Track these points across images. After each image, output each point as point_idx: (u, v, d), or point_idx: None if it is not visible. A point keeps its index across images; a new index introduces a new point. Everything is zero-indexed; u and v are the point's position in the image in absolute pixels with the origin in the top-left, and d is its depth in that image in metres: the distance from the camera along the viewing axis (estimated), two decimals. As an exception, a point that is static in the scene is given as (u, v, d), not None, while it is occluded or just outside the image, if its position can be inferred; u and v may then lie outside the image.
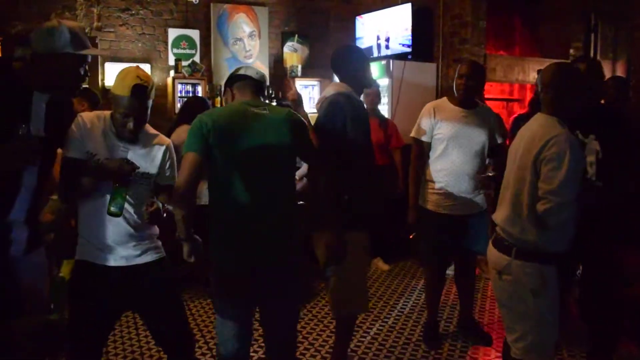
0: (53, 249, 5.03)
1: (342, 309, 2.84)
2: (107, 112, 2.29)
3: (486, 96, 6.49)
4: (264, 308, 2.39)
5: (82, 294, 2.27)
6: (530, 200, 2.22)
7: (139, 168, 2.18)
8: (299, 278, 2.45)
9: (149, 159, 2.30)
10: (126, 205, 2.19)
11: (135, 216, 2.26)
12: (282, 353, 2.45)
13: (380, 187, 4.43)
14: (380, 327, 3.81)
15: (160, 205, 2.21)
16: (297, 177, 4.57)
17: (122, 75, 2.23)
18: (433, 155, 3.38)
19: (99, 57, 6.43)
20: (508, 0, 6.76)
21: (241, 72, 2.40)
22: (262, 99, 2.42)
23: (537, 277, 2.26)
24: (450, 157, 3.30)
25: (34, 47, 2.04)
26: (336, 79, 6.50)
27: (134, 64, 6.31)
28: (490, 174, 3.25)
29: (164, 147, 2.36)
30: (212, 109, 2.54)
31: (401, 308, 4.17)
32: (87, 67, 2.14)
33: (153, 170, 2.31)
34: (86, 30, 6.28)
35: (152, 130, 2.37)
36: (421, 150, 3.43)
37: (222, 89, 2.57)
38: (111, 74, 6.43)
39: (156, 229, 2.40)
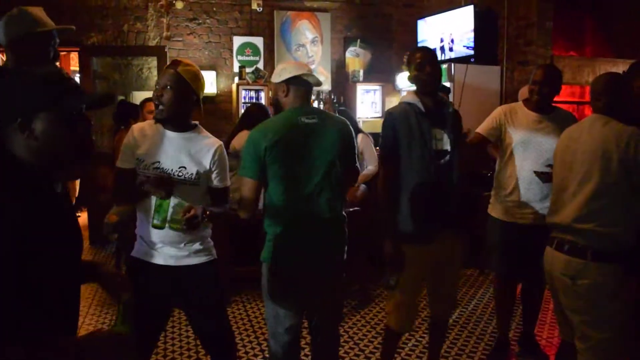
0: (118, 251, 5.33)
1: (388, 320, 2.84)
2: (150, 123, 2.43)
3: (555, 99, 6.27)
4: (311, 306, 2.54)
5: (135, 290, 2.39)
6: (625, 197, 2.24)
7: (174, 183, 2.24)
8: (343, 280, 2.60)
9: (197, 158, 2.32)
10: (174, 209, 2.26)
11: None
12: (327, 349, 2.60)
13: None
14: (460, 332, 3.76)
15: (200, 211, 2.20)
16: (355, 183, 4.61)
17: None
18: (502, 160, 3.26)
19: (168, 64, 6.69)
20: (577, 1, 6.48)
21: (304, 77, 2.45)
22: (310, 104, 2.55)
23: (616, 280, 2.20)
24: (520, 163, 3.16)
25: (5, 37, 2.17)
26: (399, 84, 6.51)
27: (201, 72, 6.58)
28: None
29: (213, 149, 2.35)
30: (264, 123, 2.57)
31: (457, 318, 4.08)
32: (56, 47, 2.23)
33: (201, 169, 2.32)
34: (157, 40, 6.59)
35: (204, 132, 2.41)
36: (478, 143, 3.35)
37: (275, 83, 2.51)
38: (179, 81, 6.67)
39: (208, 230, 2.47)
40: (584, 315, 2.31)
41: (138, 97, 7.48)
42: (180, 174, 2.28)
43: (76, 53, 7.04)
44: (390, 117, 2.67)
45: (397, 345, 3.03)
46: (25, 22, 2.18)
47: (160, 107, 2.27)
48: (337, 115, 2.69)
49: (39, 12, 2.24)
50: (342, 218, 2.56)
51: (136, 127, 2.40)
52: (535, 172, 3.06)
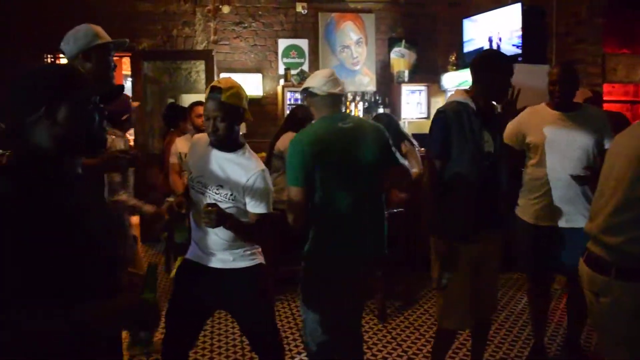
0: (168, 249, 5.48)
1: (442, 322, 2.82)
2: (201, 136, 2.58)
3: (607, 98, 6.09)
4: (348, 305, 2.59)
5: (183, 288, 2.51)
6: None
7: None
8: (376, 280, 2.62)
9: (234, 180, 2.34)
10: None
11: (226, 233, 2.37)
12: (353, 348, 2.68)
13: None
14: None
15: (223, 210, 2.24)
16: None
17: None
18: (529, 163, 3.19)
19: (215, 67, 6.84)
20: (631, -5, 6.26)
21: (328, 89, 2.51)
22: (342, 110, 2.64)
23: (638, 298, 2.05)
24: (547, 164, 3.08)
25: (76, 48, 2.41)
26: (445, 84, 6.45)
27: (248, 74, 6.67)
28: (581, 174, 2.95)
29: (250, 174, 2.34)
30: (305, 131, 2.62)
31: (502, 321, 4.02)
32: (113, 58, 2.49)
33: (235, 192, 2.34)
34: (204, 44, 6.74)
35: (249, 153, 2.41)
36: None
37: (311, 92, 2.57)
38: (226, 84, 6.81)
39: None
40: (606, 333, 2.20)
41: (186, 99, 7.66)
42: (217, 192, 2.35)
43: (128, 58, 7.25)
44: (443, 116, 2.63)
45: (451, 346, 3.03)
46: (89, 36, 2.44)
47: (213, 136, 2.35)
48: (369, 120, 2.73)
49: (99, 28, 2.52)
50: (383, 220, 2.62)
51: (196, 137, 2.58)
52: (571, 175, 2.97)
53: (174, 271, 4.35)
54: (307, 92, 2.58)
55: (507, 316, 4.11)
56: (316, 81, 2.55)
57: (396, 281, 4.41)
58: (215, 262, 2.42)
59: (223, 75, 6.83)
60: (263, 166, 2.40)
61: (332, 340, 2.55)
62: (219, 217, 2.19)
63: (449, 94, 6.68)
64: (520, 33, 5.58)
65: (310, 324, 2.54)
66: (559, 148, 3.05)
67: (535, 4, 5.72)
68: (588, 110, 3.16)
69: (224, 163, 2.38)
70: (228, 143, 2.37)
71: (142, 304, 1.47)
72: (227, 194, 2.35)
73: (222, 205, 2.28)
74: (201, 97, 7.09)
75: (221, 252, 2.41)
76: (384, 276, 3.98)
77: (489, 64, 2.69)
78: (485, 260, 2.71)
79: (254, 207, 2.36)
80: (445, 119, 2.61)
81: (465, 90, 2.72)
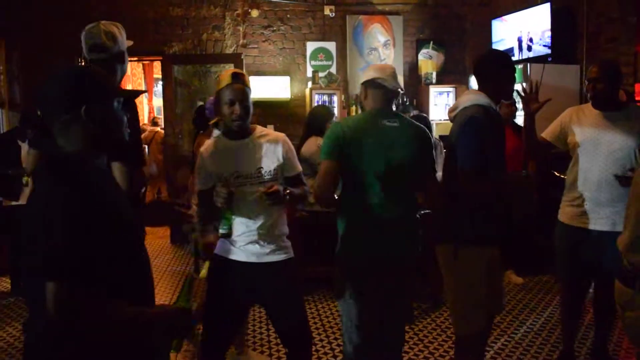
0: (197, 249, 5.56)
1: (460, 327, 2.76)
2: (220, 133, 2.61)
3: (639, 98, 5.96)
4: (383, 305, 2.56)
5: (218, 285, 2.56)
6: None
7: (233, 192, 2.32)
8: (415, 281, 2.66)
9: (270, 155, 2.46)
10: (252, 208, 2.40)
11: (262, 219, 2.45)
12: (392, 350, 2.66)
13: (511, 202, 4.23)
14: (506, 343, 3.68)
15: (281, 188, 2.33)
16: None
17: (221, 75, 2.48)
18: (571, 163, 3.12)
19: (244, 70, 6.92)
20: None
21: (379, 81, 2.47)
22: (392, 108, 2.58)
23: None
24: (586, 164, 3.00)
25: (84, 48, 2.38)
26: (472, 85, 6.37)
27: (276, 77, 6.73)
28: (627, 174, 2.84)
29: (280, 142, 2.50)
30: (347, 117, 2.64)
31: (531, 324, 3.98)
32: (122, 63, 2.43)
33: (277, 164, 2.46)
34: (234, 47, 6.85)
35: (263, 130, 2.54)
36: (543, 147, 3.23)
37: (359, 88, 2.62)
38: (255, 87, 6.83)
39: (286, 229, 2.59)
40: (635, 345, 2.17)
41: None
42: (259, 174, 2.43)
43: (159, 62, 7.40)
44: (476, 125, 2.46)
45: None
46: (94, 36, 2.34)
47: (237, 121, 2.40)
48: (417, 123, 2.63)
49: (112, 27, 2.39)
50: (415, 220, 2.62)
51: (203, 149, 2.54)
52: (615, 175, 2.88)
53: (203, 271, 4.45)
54: (374, 83, 2.46)
55: (535, 319, 4.06)
56: (385, 74, 2.48)
57: (423, 283, 4.41)
58: (250, 257, 2.47)
59: (253, 78, 6.89)
60: (281, 134, 2.56)
61: (368, 339, 2.52)
62: (282, 194, 2.31)
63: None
64: (549, 33, 5.52)
65: (346, 322, 2.54)
66: (598, 148, 2.96)
67: (565, 3, 5.64)
68: (632, 109, 3.03)
69: (251, 146, 2.46)
70: (246, 128, 2.46)
71: (176, 312, 1.53)
72: (268, 171, 2.44)
73: (265, 181, 2.41)
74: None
75: (254, 246, 2.46)
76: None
77: (496, 61, 2.68)
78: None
79: (290, 171, 2.51)
80: (480, 130, 2.46)
81: (480, 90, 2.62)
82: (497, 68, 2.63)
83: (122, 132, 1.52)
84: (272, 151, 2.47)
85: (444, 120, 7.01)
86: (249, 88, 2.45)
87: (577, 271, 3.11)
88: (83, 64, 2.73)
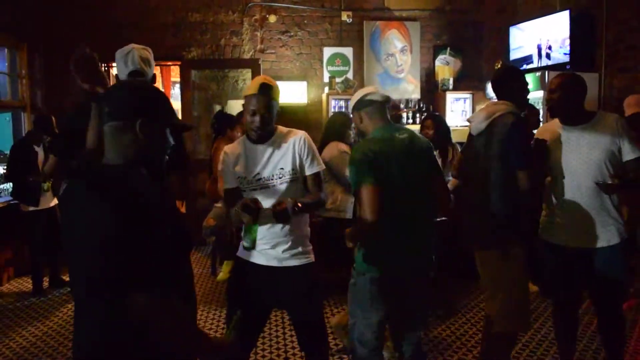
0: (216, 250, 5.63)
1: (505, 325, 2.85)
2: (240, 139, 2.63)
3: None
4: (401, 313, 2.63)
5: (239, 287, 2.61)
6: None
7: (261, 206, 2.34)
8: (430, 287, 2.68)
9: (290, 154, 2.50)
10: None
11: (282, 225, 2.48)
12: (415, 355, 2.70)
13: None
14: (519, 352, 3.67)
15: (290, 204, 2.34)
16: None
17: (252, 81, 2.53)
18: (547, 180, 3.05)
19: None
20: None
21: (367, 97, 2.61)
22: (389, 119, 2.67)
23: None
24: (559, 182, 2.91)
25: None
26: (490, 92, 6.38)
27: (293, 82, 6.79)
28: (608, 182, 2.80)
29: (300, 140, 2.51)
30: (365, 140, 2.68)
31: (546, 333, 3.96)
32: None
33: (297, 163, 2.49)
34: (251, 53, 6.91)
35: (284, 130, 2.57)
36: None
37: (370, 100, 2.66)
38: (271, 91, 6.94)
39: (307, 231, 2.63)
40: None
41: (233, 105, 7.83)
42: (281, 175, 2.47)
43: (177, 66, 7.48)
44: (523, 129, 2.79)
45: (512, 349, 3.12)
46: (134, 63, 2.62)
47: (259, 131, 2.46)
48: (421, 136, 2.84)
49: (146, 53, 2.67)
50: (432, 226, 2.69)
51: (227, 148, 2.61)
52: (596, 183, 2.81)
53: (220, 274, 4.49)
54: (364, 102, 2.60)
55: (532, 335, 4.03)
56: (369, 90, 2.66)
57: (438, 289, 4.41)
58: (272, 261, 2.51)
59: (269, 83, 6.95)
60: (302, 132, 2.57)
61: (379, 349, 2.60)
62: (292, 210, 2.34)
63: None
64: (569, 41, 5.49)
65: (360, 328, 2.58)
66: (568, 165, 2.89)
67: (585, 11, 5.62)
68: (603, 119, 2.89)
69: (272, 148, 2.51)
70: (267, 134, 2.51)
71: (224, 343, 1.63)
72: (289, 171, 2.48)
73: (289, 187, 2.46)
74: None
75: (277, 250, 2.50)
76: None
77: (512, 75, 2.96)
78: None
79: (313, 167, 2.52)
80: (525, 130, 2.79)
81: (506, 102, 2.83)
82: (518, 82, 2.91)
83: (163, 155, 1.58)
84: (292, 150, 2.49)
85: (461, 126, 7.01)
86: (276, 100, 2.49)
87: (561, 289, 3.06)
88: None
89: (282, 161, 2.49)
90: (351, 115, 2.80)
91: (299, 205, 2.38)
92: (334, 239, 4.41)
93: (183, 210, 7.04)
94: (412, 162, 2.53)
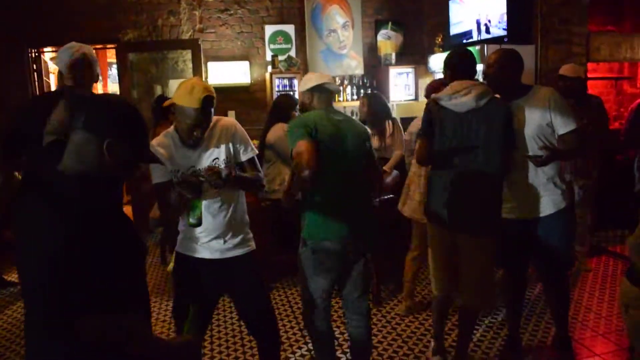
0: (163, 241, 5.53)
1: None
2: (171, 128, 2.50)
3: (592, 75, 6.15)
4: (344, 285, 2.79)
5: (184, 282, 2.61)
6: None
7: (203, 176, 2.30)
8: (370, 263, 2.83)
9: (222, 144, 2.48)
10: (211, 202, 2.43)
11: (223, 211, 2.49)
12: (360, 324, 2.83)
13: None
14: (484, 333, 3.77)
15: (225, 171, 2.32)
16: (387, 169, 4.66)
17: (187, 88, 2.33)
18: None
19: (202, 56, 6.82)
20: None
21: (327, 86, 2.75)
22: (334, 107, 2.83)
23: None
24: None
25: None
26: (432, 66, 6.42)
27: (235, 62, 6.61)
28: (538, 154, 2.86)
29: (231, 129, 2.50)
30: (304, 114, 2.70)
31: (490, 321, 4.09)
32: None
33: (230, 151, 2.48)
34: (190, 33, 6.71)
35: (212, 120, 2.47)
36: None
37: (302, 92, 2.80)
38: (214, 72, 6.81)
39: (246, 219, 2.64)
40: (637, 346, 2.22)
41: (174, 85, 7.59)
42: (216, 165, 2.43)
43: (113, 50, 7.21)
44: None
45: (441, 314, 3.23)
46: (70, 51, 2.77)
47: (195, 140, 2.41)
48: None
49: (92, 51, 2.87)
50: (370, 206, 2.85)
51: (155, 142, 2.47)
52: (526, 155, 2.89)
53: (171, 265, 4.42)
54: (320, 88, 2.73)
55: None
56: (327, 80, 2.78)
57: (389, 265, 4.50)
58: (214, 253, 2.51)
59: (211, 64, 6.81)
60: (230, 119, 2.58)
61: (327, 309, 2.77)
62: (222, 175, 2.30)
63: (437, 76, 6.74)
64: (505, 16, 5.59)
65: (306, 293, 2.74)
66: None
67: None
68: (536, 93, 2.96)
69: (204, 143, 2.47)
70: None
71: (185, 342, 1.59)
72: (223, 159, 2.46)
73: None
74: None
75: (219, 242, 2.50)
76: (377, 261, 4.08)
77: (472, 59, 3.01)
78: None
79: (247, 152, 2.54)
80: None
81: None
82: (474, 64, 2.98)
83: (124, 173, 1.55)
84: (224, 139, 2.48)
85: (405, 101, 7.09)
86: (214, 107, 2.41)
87: (508, 258, 3.18)
88: (58, 78, 2.90)
89: (215, 152, 2.46)
90: (300, 92, 2.84)
91: (234, 173, 2.35)
92: (285, 221, 4.43)
93: (127, 197, 6.88)
94: (344, 141, 2.65)
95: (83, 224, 1.29)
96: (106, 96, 1.59)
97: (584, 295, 4.16)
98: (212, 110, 2.40)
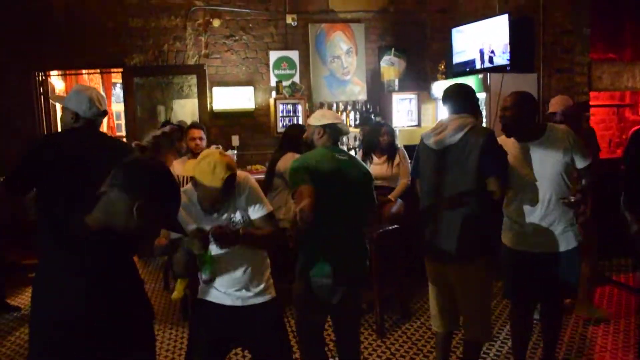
0: (167, 268, 5.53)
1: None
2: (189, 187, 2.48)
3: (593, 103, 6.19)
4: (335, 317, 2.97)
5: (201, 328, 2.58)
6: None
7: (207, 232, 2.28)
8: (361, 294, 2.99)
9: (236, 204, 2.46)
10: (232, 259, 2.43)
11: (244, 266, 2.48)
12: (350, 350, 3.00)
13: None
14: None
15: (233, 229, 2.34)
16: (392, 198, 4.69)
17: (210, 165, 2.28)
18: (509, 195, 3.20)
19: (207, 81, 6.88)
20: (616, 4, 6.35)
21: (339, 126, 2.91)
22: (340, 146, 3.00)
23: None
24: (519, 195, 3.10)
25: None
26: (434, 92, 6.47)
27: (239, 87, 6.64)
28: (572, 199, 3.02)
29: (241, 188, 2.45)
30: (308, 154, 2.85)
31: (499, 347, 4.11)
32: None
33: (244, 210, 2.47)
34: (195, 58, 6.79)
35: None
36: None
37: (314, 126, 2.93)
38: (219, 97, 6.87)
39: (267, 266, 2.63)
40: None
41: (179, 105, 7.66)
42: (234, 224, 2.44)
43: (119, 73, 7.28)
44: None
45: (442, 350, 3.24)
46: (101, 102, 2.99)
47: (219, 206, 2.43)
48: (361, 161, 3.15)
49: (100, 92, 2.97)
50: (363, 237, 2.97)
51: (184, 196, 2.43)
52: (563, 202, 3.02)
53: (175, 293, 4.41)
54: (333, 126, 2.87)
55: (500, 328, 4.20)
56: (341, 121, 2.94)
57: (393, 295, 4.50)
58: (236, 301, 2.50)
59: (216, 89, 6.87)
60: (243, 175, 2.51)
61: (321, 340, 2.96)
62: (230, 235, 2.31)
63: (439, 102, 6.79)
64: (508, 46, 5.66)
65: (299, 325, 2.96)
66: (527, 180, 3.05)
67: (523, 14, 5.80)
68: (554, 133, 3.07)
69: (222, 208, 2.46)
70: None
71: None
72: (240, 218, 2.45)
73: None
74: (194, 102, 7.07)
75: (240, 290, 2.50)
76: (381, 291, 4.09)
77: (471, 92, 3.10)
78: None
79: (257, 212, 2.48)
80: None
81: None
82: (472, 97, 3.05)
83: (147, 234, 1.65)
84: (239, 199, 2.45)
85: (407, 126, 7.14)
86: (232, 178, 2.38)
87: (521, 293, 3.22)
88: (74, 118, 2.97)
89: (231, 213, 2.45)
90: (311, 125, 2.94)
91: (241, 232, 2.34)
92: (289, 249, 4.44)
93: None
94: (346, 181, 2.79)
95: (101, 282, 1.32)
96: (146, 161, 1.65)
97: (588, 326, 4.15)
98: (231, 187, 2.35)
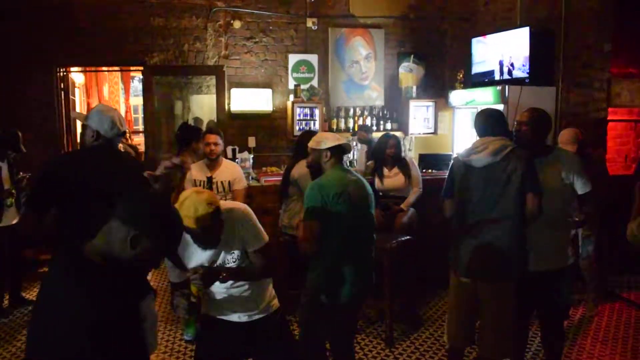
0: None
1: (501, 353, 3.06)
2: None
3: (611, 118, 6.16)
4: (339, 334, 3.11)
5: (208, 343, 2.64)
6: None
7: (194, 303, 2.37)
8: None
9: (234, 237, 2.44)
10: (233, 291, 2.50)
11: (247, 293, 2.53)
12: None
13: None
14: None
15: (208, 270, 2.34)
16: (404, 207, 4.71)
17: (190, 208, 2.22)
18: None
19: (226, 82, 6.94)
20: (639, 19, 6.30)
21: (345, 146, 3.03)
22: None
23: None
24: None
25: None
26: (452, 101, 6.45)
27: (258, 89, 6.66)
28: (576, 219, 3.15)
29: (239, 222, 2.43)
30: (328, 177, 2.92)
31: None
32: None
33: (242, 242, 2.45)
34: (215, 59, 6.84)
35: (225, 208, 2.42)
36: None
37: (319, 149, 3.03)
38: (237, 99, 6.93)
39: (269, 281, 2.66)
40: None
41: (196, 100, 7.69)
42: (234, 259, 2.46)
43: (139, 71, 7.35)
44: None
45: None
46: (122, 123, 3.00)
47: (210, 244, 2.42)
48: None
49: (119, 113, 3.04)
50: (372, 261, 3.08)
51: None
52: (576, 220, 3.14)
53: (190, 332, 4.46)
54: (339, 149, 2.98)
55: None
56: (346, 143, 3.04)
57: (403, 305, 4.52)
58: (242, 317, 2.56)
59: (235, 90, 6.92)
60: (238, 206, 2.52)
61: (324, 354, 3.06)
62: (209, 275, 2.32)
63: (457, 111, 6.78)
64: (528, 59, 5.64)
65: (306, 343, 2.95)
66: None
67: (544, 28, 5.78)
68: (560, 155, 3.17)
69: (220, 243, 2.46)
70: None
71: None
72: (237, 253, 2.45)
73: (240, 261, 2.46)
74: (211, 98, 7.10)
75: (244, 311, 2.55)
76: (390, 301, 4.11)
77: (502, 117, 3.17)
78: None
79: (252, 245, 2.46)
80: None
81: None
82: (504, 122, 3.11)
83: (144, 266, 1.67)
84: (237, 233, 2.44)
85: (424, 134, 7.15)
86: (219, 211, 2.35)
87: (528, 308, 3.26)
88: (95, 137, 2.96)
89: (229, 245, 2.43)
90: (314, 149, 3.01)
91: (223, 274, 2.36)
92: (302, 256, 4.47)
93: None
94: (362, 199, 2.93)
95: (111, 303, 1.38)
96: (152, 197, 1.70)
97: (596, 344, 4.15)
98: (217, 220, 2.32)
